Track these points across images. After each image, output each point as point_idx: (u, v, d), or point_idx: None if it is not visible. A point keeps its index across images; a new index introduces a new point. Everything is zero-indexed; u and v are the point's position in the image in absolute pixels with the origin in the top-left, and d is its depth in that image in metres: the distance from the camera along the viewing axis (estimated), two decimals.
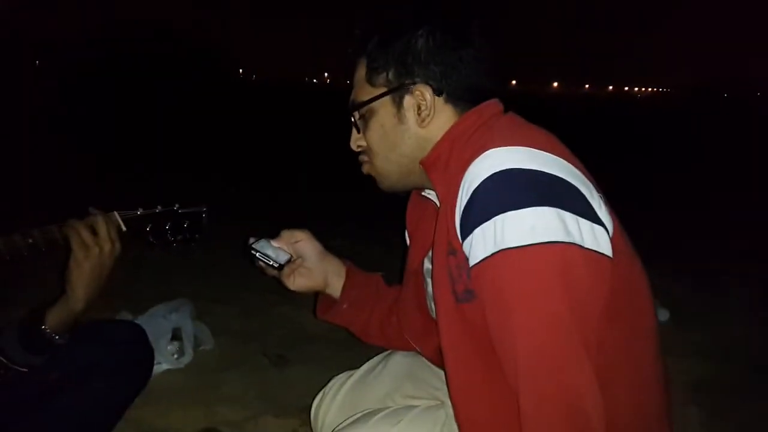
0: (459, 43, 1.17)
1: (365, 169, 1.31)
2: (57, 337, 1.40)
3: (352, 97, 1.27)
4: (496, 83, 1.23)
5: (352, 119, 1.28)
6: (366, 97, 1.23)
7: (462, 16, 1.22)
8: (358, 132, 1.28)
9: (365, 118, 1.24)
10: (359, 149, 1.30)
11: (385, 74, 1.20)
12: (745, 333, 3.15)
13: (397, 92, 1.19)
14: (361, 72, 1.24)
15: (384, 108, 1.21)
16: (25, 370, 1.42)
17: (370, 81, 1.22)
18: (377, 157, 1.25)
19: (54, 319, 1.39)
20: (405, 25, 1.19)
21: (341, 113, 1.30)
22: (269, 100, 25.23)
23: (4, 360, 1.40)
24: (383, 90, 1.21)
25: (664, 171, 9.24)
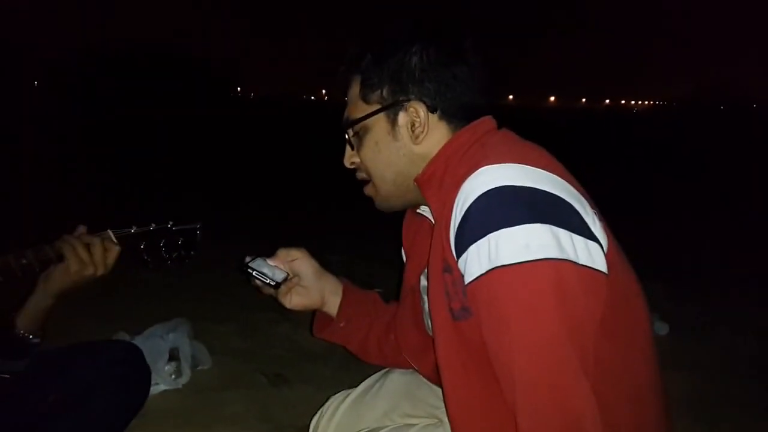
0: (453, 61, 1.18)
1: (366, 190, 1.31)
2: (31, 337, 1.45)
3: (346, 114, 1.27)
4: (490, 100, 1.23)
5: (346, 136, 1.28)
6: (360, 114, 1.23)
7: (456, 34, 1.22)
8: (352, 149, 1.28)
9: (359, 135, 1.24)
10: (352, 166, 1.30)
11: (379, 91, 1.20)
12: (744, 345, 3.14)
13: (391, 109, 1.20)
14: (355, 89, 1.24)
15: (378, 125, 1.21)
16: (6, 376, 1.47)
17: (365, 98, 1.22)
18: (374, 175, 1.25)
19: (25, 320, 1.44)
20: (399, 43, 1.19)
21: (337, 130, 1.30)
22: (267, 117, 25.32)
23: None
24: (377, 107, 1.21)
25: (661, 183, 9.27)
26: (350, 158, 1.29)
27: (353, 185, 1.34)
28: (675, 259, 4.74)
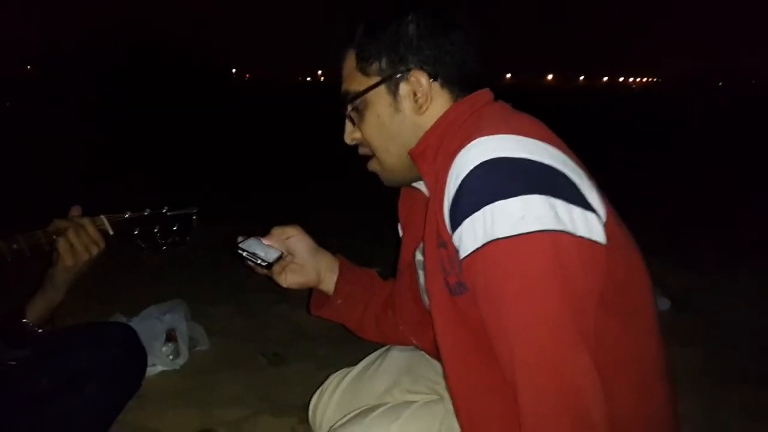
0: (449, 27, 1.15)
1: (370, 166, 1.28)
2: (39, 330, 1.47)
3: (343, 88, 1.23)
4: (488, 66, 1.20)
5: (346, 112, 1.24)
6: (360, 88, 1.19)
7: (448, 2, 1.20)
8: (353, 124, 1.24)
9: (359, 110, 1.21)
10: (354, 142, 1.27)
11: (377, 63, 1.17)
12: (746, 319, 3.14)
13: (392, 80, 1.17)
14: (350, 63, 1.21)
15: (379, 97, 1.18)
16: (13, 363, 1.48)
17: (363, 71, 1.19)
18: (378, 150, 1.22)
19: (35, 312, 1.45)
20: (392, 12, 1.17)
21: (335, 108, 1.27)
22: (263, 99, 25.20)
23: None
24: (377, 79, 1.18)
25: (657, 158, 9.25)
26: (351, 134, 1.26)
27: (350, 166, 1.32)
28: (674, 232, 4.74)
